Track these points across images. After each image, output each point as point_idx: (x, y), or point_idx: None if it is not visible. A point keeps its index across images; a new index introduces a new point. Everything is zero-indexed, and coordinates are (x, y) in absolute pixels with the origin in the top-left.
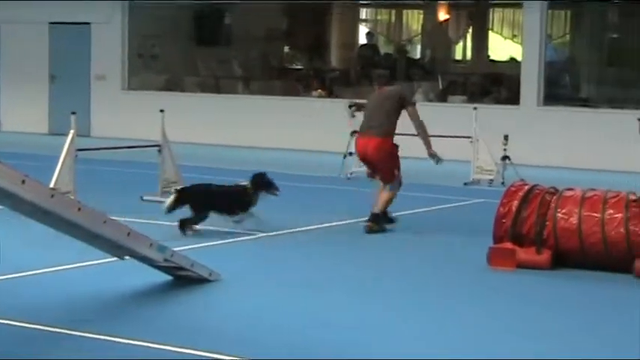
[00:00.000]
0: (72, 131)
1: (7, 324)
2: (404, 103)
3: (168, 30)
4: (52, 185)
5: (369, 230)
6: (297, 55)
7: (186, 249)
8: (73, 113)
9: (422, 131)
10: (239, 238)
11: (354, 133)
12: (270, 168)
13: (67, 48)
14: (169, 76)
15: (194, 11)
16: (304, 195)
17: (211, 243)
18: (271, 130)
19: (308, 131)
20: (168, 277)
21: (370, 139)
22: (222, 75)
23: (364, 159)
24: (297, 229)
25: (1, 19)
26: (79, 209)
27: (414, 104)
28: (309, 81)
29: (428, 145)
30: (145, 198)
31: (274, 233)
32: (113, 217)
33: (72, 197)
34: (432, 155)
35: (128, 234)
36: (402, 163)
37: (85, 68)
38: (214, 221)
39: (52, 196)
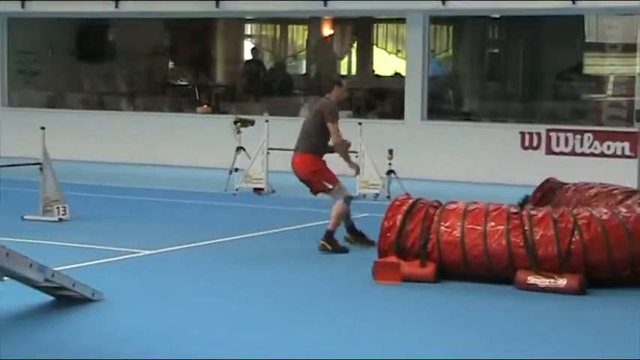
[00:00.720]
0: None
1: None
2: (322, 118)
3: (50, 45)
4: None
5: (322, 248)
6: (182, 71)
7: (68, 268)
8: None
9: (338, 147)
10: (123, 257)
11: (239, 149)
12: (154, 184)
13: None
14: (52, 93)
15: (76, 26)
16: (190, 211)
17: (94, 262)
18: (156, 146)
19: (193, 147)
20: (50, 298)
21: (294, 157)
22: (106, 91)
23: (296, 176)
24: (183, 246)
25: None
26: None
27: (331, 120)
28: (194, 97)
29: (346, 158)
30: (25, 217)
31: (159, 250)
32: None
33: None
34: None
35: (7, 254)
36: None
37: None
38: (97, 239)
39: None
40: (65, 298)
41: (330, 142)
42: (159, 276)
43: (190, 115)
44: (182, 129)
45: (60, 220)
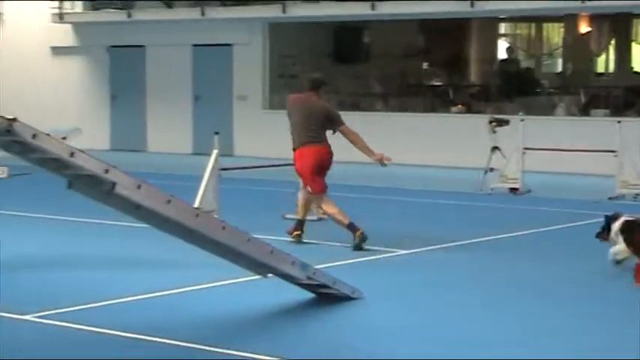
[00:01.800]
0: (215, 151)
1: (152, 340)
2: (327, 122)
3: (308, 49)
4: (196, 204)
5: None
6: (435, 71)
7: (329, 266)
8: (217, 133)
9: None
10: (381, 255)
11: (494, 148)
12: (409, 185)
13: (210, 69)
14: None
15: (333, 30)
16: (445, 211)
17: (354, 260)
18: (410, 146)
19: (447, 147)
20: (311, 295)
21: (313, 146)
22: (360, 92)
23: (302, 162)
24: (439, 246)
25: (147, 42)
26: (223, 228)
27: (342, 123)
28: (448, 97)
29: (368, 151)
30: (286, 216)
31: (417, 250)
32: (256, 236)
33: (215, 216)
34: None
35: (271, 252)
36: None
37: (227, 89)
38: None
39: (197, 215)
40: (325, 296)
41: None
42: (416, 275)
43: (444, 115)
44: (436, 129)
45: (319, 219)
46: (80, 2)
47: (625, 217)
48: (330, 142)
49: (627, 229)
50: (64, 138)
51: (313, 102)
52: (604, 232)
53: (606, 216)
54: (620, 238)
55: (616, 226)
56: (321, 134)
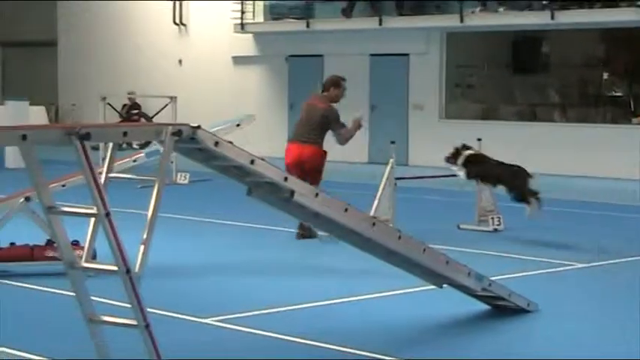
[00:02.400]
0: (391, 160)
1: (328, 348)
2: (326, 124)
3: (485, 59)
4: (372, 213)
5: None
6: (616, 82)
7: (504, 278)
8: (392, 142)
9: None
10: (556, 269)
11: None
12: (591, 197)
13: (386, 78)
14: (486, 105)
15: (511, 40)
16: (626, 225)
17: (530, 272)
18: (589, 158)
19: (627, 160)
20: (485, 306)
21: (304, 146)
22: (538, 103)
23: (294, 162)
24: (620, 260)
25: (326, 51)
26: (399, 237)
27: (340, 127)
28: (629, 108)
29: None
30: (461, 227)
31: (596, 263)
32: (431, 245)
33: (391, 225)
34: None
35: (446, 262)
36: None
37: (403, 98)
38: (529, 250)
39: (373, 224)
40: (500, 308)
41: None
42: (593, 289)
43: (625, 126)
44: (616, 140)
45: (495, 230)
46: (261, 13)
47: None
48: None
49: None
50: (238, 125)
51: (316, 104)
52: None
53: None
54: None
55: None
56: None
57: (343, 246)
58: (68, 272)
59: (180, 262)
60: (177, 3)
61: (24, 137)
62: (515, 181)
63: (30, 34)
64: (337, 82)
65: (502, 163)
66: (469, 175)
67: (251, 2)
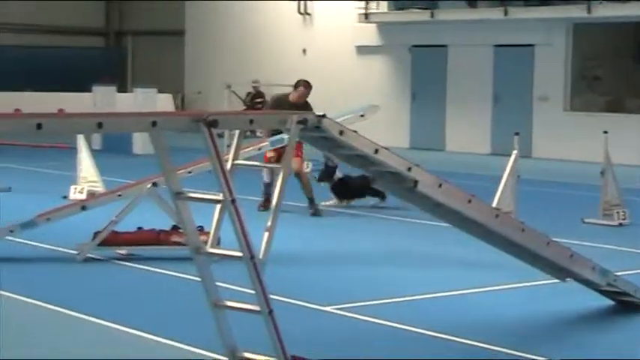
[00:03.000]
0: (514, 152)
1: (452, 340)
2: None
3: (611, 50)
4: (494, 205)
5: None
6: None
7: (630, 274)
8: (517, 134)
9: None
10: None
11: None
12: None
13: (511, 69)
14: (611, 98)
15: (638, 31)
16: None
17: None
18: None
19: None
20: (610, 302)
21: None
22: None
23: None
24: None
25: (450, 41)
26: (523, 230)
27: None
28: None
29: None
30: (585, 220)
31: None
32: (555, 239)
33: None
34: None
35: (570, 256)
36: None
37: (528, 89)
38: None
39: (497, 216)
40: (625, 304)
41: None
42: None
43: None
44: None
45: (620, 224)
46: (385, 2)
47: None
48: None
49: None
50: (362, 115)
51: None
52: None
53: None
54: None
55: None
56: None
57: (466, 237)
58: (194, 257)
59: (302, 249)
60: None
61: (154, 124)
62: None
63: (158, 24)
64: (300, 84)
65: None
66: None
67: None
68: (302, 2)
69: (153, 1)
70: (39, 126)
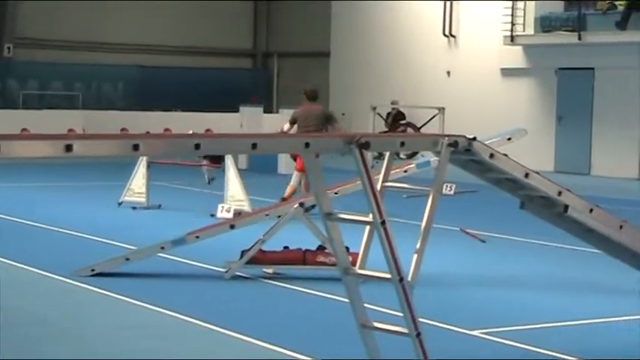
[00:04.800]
0: None
1: None
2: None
3: None
4: None
5: None
6: None
7: None
8: None
9: None
10: None
11: None
12: None
13: None
14: None
15: None
16: None
17: None
18: None
19: None
20: None
21: None
22: None
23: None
24: None
25: (597, 64)
26: None
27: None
28: None
29: None
30: None
31: None
32: None
33: None
34: None
35: None
36: None
37: None
38: None
39: None
40: None
41: None
42: None
43: None
44: None
45: None
46: (531, 24)
47: None
48: None
49: None
50: (509, 139)
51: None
52: None
53: None
54: None
55: None
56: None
57: (617, 263)
58: (343, 277)
59: (449, 272)
60: (448, 15)
61: (307, 145)
62: None
63: (304, 45)
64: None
65: None
66: None
67: (521, 14)
68: (447, 24)
69: (299, 23)
70: (197, 146)
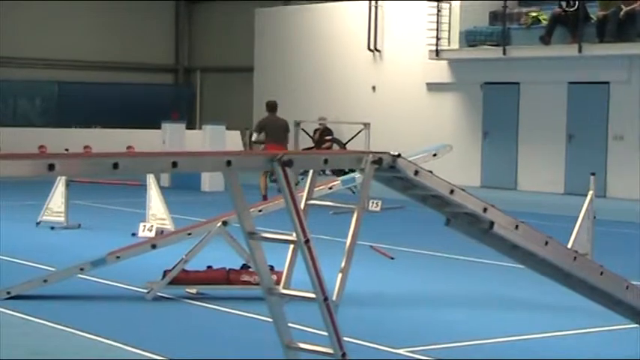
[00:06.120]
0: (590, 192)
1: None
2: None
3: None
4: (569, 246)
5: None
6: None
7: None
8: (593, 174)
9: None
10: None
11: None
12: None
13: (585, 107)
14: None
15: None
16: None
17: None
18: None
19: None
20: None
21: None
22: None
23: None
24: None
25: (522, 79)
26: (601, 273)
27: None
28: None
29: None
30: None
31: None
32: (634, 282)
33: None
34: None
35: None
36: None
37: (603, 128)
38: None
39: (575, 258)
40: None
41: None
42: None
43: None
44: None
45: None
46: (456, 39)
47: None
48: None
49: None
50: (434, 155)
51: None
52: None
53: None
54: None
55: None
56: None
57: (542, 279)
58: (266, 297)
59: (374, 290)
60: (373, 29)
61: (228, 163)
62: None
63: (227, 61)
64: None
65: None
66: None
67: (447, 29)
68: (372, 38)
69: (222, 38)
70: (115, 166)
